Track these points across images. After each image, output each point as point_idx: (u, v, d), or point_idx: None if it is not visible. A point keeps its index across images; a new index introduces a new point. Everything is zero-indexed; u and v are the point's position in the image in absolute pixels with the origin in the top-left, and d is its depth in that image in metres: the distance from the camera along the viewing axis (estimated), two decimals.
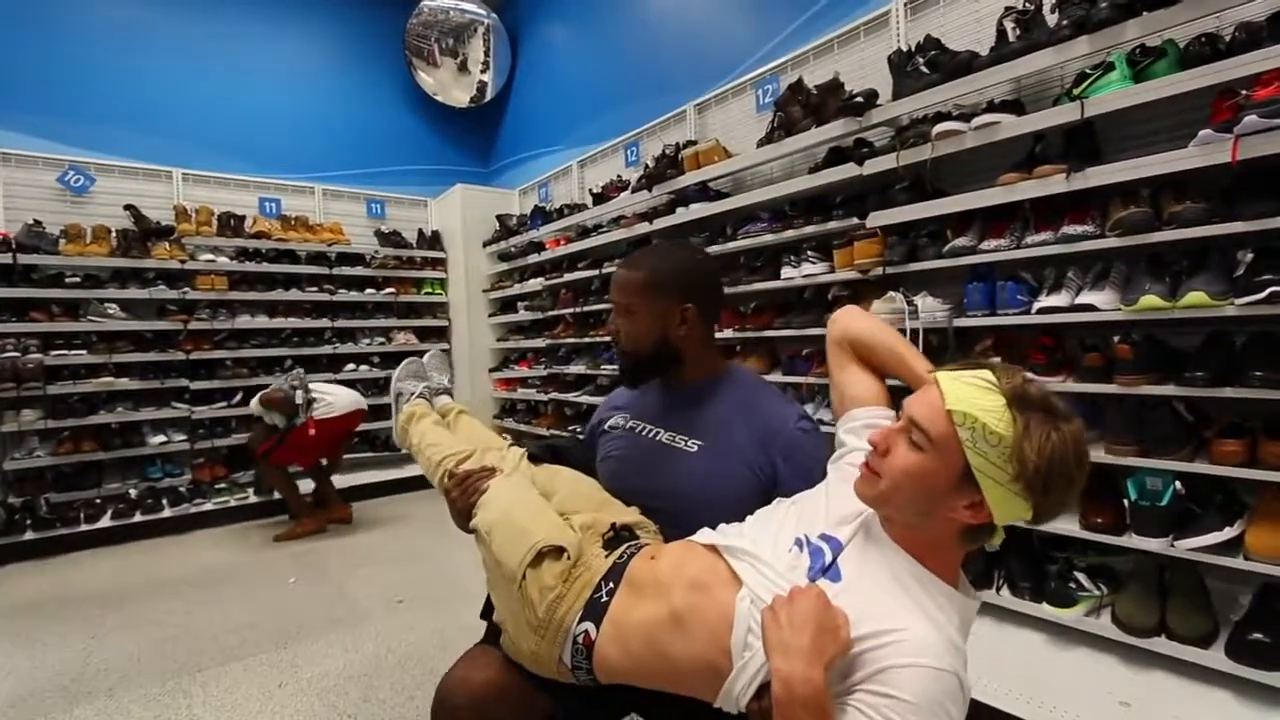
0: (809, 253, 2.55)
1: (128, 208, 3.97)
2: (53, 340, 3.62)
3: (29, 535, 3.35)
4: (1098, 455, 1.76)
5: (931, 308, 2.08)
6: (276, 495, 3.83)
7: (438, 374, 1.77)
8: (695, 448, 1.20)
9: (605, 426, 1.36)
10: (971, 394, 0.78)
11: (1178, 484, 1.63)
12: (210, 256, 4.13)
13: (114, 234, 3.88)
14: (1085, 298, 1.78)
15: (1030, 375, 0.83)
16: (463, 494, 1.21)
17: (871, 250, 2.29)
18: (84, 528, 3.48)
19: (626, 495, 1.23)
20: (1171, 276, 1.67)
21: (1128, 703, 1.54)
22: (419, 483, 4.65)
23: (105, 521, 3.55)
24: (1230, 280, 1.56)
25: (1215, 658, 1.53)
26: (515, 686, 1.05)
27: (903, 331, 2.11)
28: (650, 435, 1.26)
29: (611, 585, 0.98)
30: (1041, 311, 1.85)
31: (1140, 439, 1.67)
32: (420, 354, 1.82)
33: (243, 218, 4.32)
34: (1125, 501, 1.71)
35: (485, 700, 1.03)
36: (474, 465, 1.30)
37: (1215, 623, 1.61)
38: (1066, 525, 1.82)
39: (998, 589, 1.95)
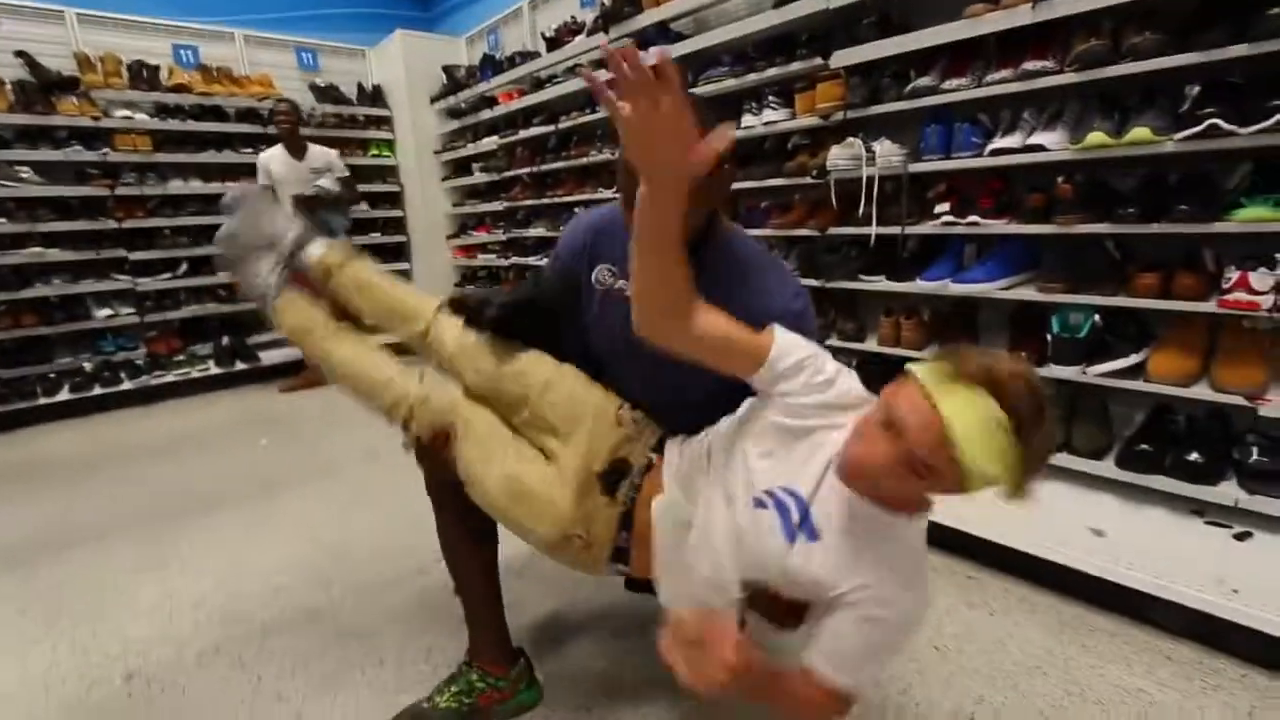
0: (770, 98, 2.46)
1: (19, 54, 3.53)
2: None
3: None
4: (1030, 295, 1.87)
5: (889, 152, 2.07)
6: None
7: (278, 220, 1.34)
8: None
9: (594, 279, 1.24)
10: (976, 432, 0.72)
11: (1097, 318, 1.75)
12: (126, 113, 3.76)
13: (9, 86, 3.48)
14: (1037, 138, 1.79)
15: (1011, 366, 0.75)
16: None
17: (834, 93, 2.22)
18: (42, 401, 3.46)
19: (620, 369, 1.22)
20: (1121, 114, 1.68)
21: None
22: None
23: (64, 395, 3.53)
24: (1175, 117, 1.58)
25: (1106, 467, 1.73)
26: None
27: (858, 180, 2.12)
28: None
29: (625, 533, 1.06)
30: (994, 153, 1.86)
31: (1070, 277, 1.77)
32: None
33: (156, 68, 3.89)
34: (1049, 336, 1.83)
35: None
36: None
37: (1111, 439, 1.81)
38: None
39: None
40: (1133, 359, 1.68)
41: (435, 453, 1.17)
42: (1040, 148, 1.77)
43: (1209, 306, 1.54)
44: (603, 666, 1.41)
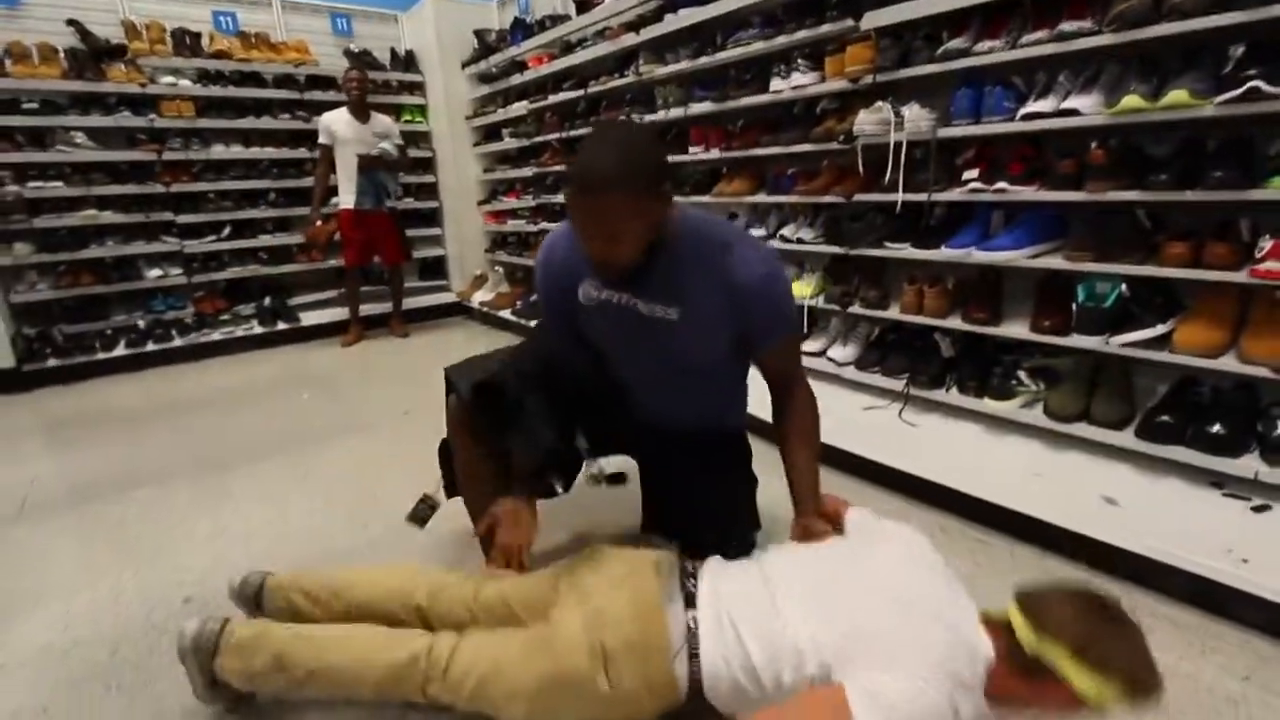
0: (799, 61, 2.43)
1: (70, 23, 3.66)
2: (26, 172, 3.54)
3: (51, 362, 3.54)
4: (1056, 263, 1.85)
5: (917, 117, 2.04)
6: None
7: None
8: (676, 315, 1.24)
9: (581, 300, 1.33)
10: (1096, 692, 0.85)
11: (1124, 287, 1.73)
12: (171, 79, 3.89)
13: (62, 54, 3.62)
14: (1071, 102, 1.75)
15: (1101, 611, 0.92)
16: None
17: (864, 56, 2.18)
18: (100, 356, 3.68)
19: (623, 371, 1.37)
20: (1159, 77, 1.63)
21: (1040, 473, 1.77)
22: (433, 311, 4.81)
23: (120, 350, 3.74)
24: (1216, 79, 1.52)
25: (1125, 438, 1.73)
26: None
27: (886, 146, 2.10)
28: (629, 306, 1.27)
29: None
30: (1026, 118, 1.83)
31: (1098, 245, 1.74)
32: None
33: (198, 35, 4.00)
34: (1074, 306, 1.81)
35: None
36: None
37: (1133, 410, 1.80)
38: (1018, 329, 1.96)
39: (947, 389, 2.14)
40: (1158, 329, 1.66)
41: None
42: (1074, 112, 1.73)
43: (1240, 276, 1.51)
44: None
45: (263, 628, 1.18)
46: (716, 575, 1.10)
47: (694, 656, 1.00)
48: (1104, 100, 1.71)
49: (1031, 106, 1.82)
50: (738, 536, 1.41)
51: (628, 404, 1.42)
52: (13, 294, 3.56)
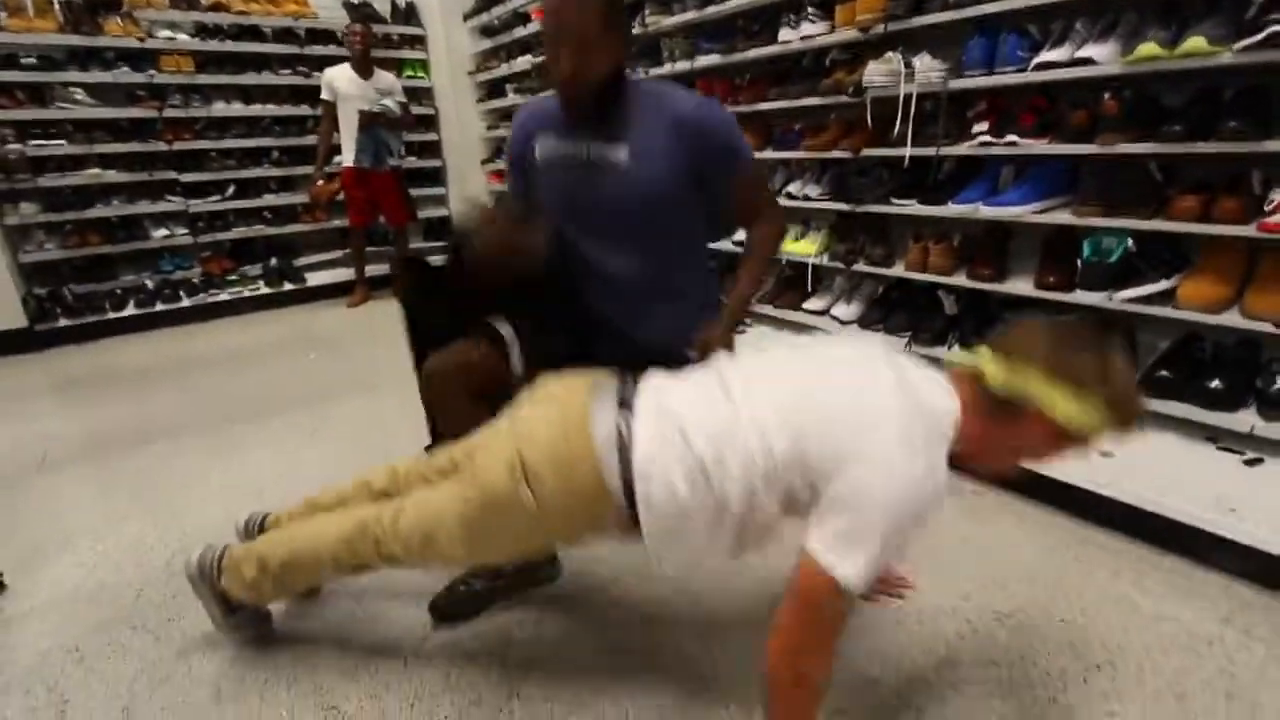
0: (809, 10, 2.36)
1: None
2: (28, 130, 3.52)
3: (63, 322, 3.59)
4: (1064, 218, 1.82)
5: (929, 68, 1.99)
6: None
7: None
8: (625, 155, 1.27)
9: (538, 160, 1.37)
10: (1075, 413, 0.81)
11: (1130, 242, 1.71)
12: (169, 34, 3.82)
13: (58, 7, 3.56)
14: (1087, 50, 1.70)
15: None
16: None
17: (875, 3, 2.12)
18: (110, 315, 3.72)
19: (575, 223, 1.34)
20: (1179, 23, 1.58)
21: None
22: None
23: (130, 310, 3.78)
24: (1236, 26, 1.48)
25: None
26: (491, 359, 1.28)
27: (895, 97, 2.06)
28: (582, 155, 1.30)
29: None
30: (1039, 67, 1.78)
31: (1107, 200, 1.72)
32: None
33: None
34: (1079, 262, 1.80)
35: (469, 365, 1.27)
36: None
37: (1135, 367, 1.80)
38: (1022, 286, 1.95)
39: (949, 346, 2.14)
40: (1162, 285, 1.65)
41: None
42: (1089, 61, 1.69)
43: (1249, 230, 1.50)
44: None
45: (252, 544, 1.25)
46: (660, 377, 1.02)
47: (627, 463, 0.91)
48: (1120, 49, 1.67)
49: (1046, 55, 1.77)
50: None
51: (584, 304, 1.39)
52: (21, 254, 3.58)
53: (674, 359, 1.21)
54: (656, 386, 1.00)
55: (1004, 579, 1.41)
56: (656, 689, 1.17)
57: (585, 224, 1.34)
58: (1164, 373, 1.67)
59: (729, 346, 1.32)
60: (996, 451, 0.90)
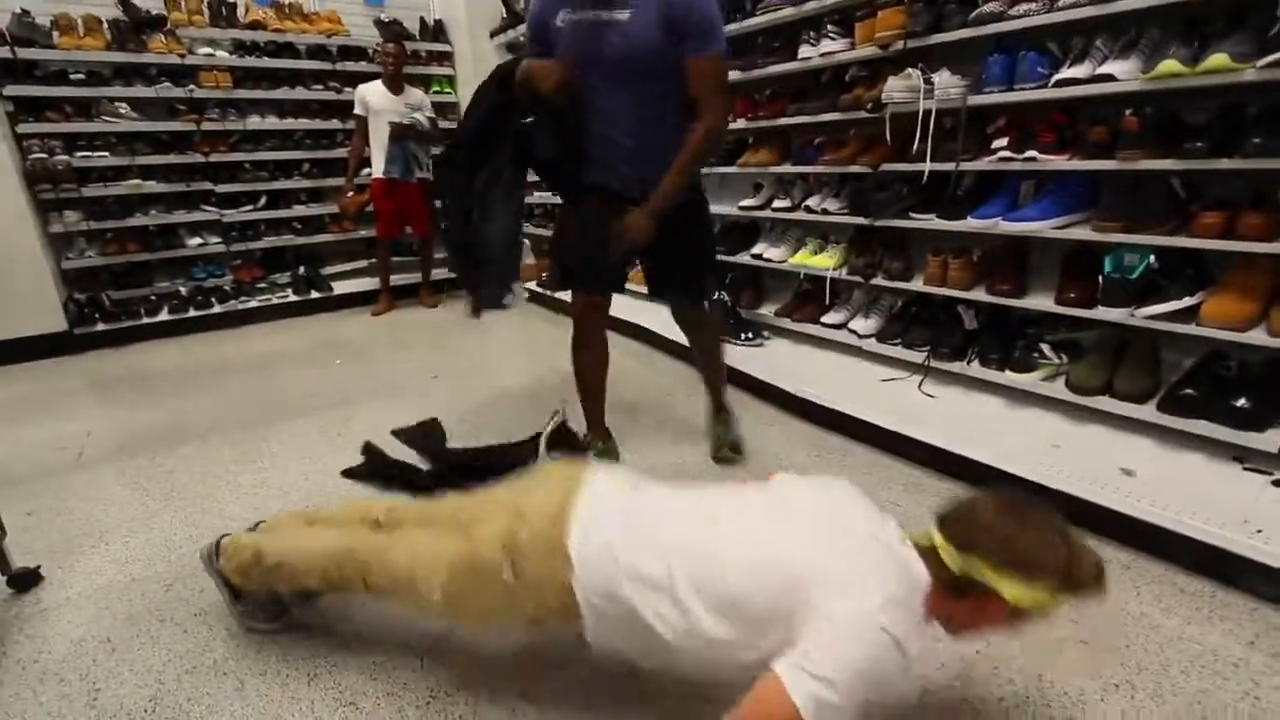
0: (830, 27, 2.39)
1: None
2: (74, 142, 3.67)
3: (100, 326, 3.72)
4: (1084, 234, 1.82)
5: (948, 84, 2.01)
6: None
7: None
8: (627, 15, 1.62)
9: (558, 24, 1.70)
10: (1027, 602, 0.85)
11: (1153, 258, 1.70)
12: (209, 50, 3.97)
13: (106, 25, 3.73)
14: (1107, 67, 1.70)
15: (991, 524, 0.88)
16: None
17: (895, 21, 2.14)
18: (145, 321, 3.85)
19: (587, 66, 1.66)
20: (1201, 40, 1.58)
21: (1059, 445, 1.77)
22: (458, 282, 4.89)
23: (164, 316, 3.91)
24: (1261, 42, 1.47)
25: (1148, 411, 1.72)
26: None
27: (915, 113, 2.07)
28: (590, 18, 1.65)
29: None
30: (1060, 84, 1.79)
31: (1128, 215, 1.71)
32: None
33: (234, 5, 4.06)
34: (1101, 278, 1.79)
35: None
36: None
37: (1158, 384, 1.78)
38: (1042, 301, 1.94)
39: (969, 361, 2.13)
40: (1185, 302, 1.64)
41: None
42: (1110, 78, 1.69)
43: (1274, 247, 1.48)
44: None
45: (253, 534, 1.36)
46: (655, 493, 1.09)
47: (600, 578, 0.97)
48: (1142, 66, 1.67)
49: (1066, 72, 1.78)
50: (700, 285, 1.98)
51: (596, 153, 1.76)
52: (64, 260, 3.72)
53: (642, 193, 1.71)
54: (649, 508, 1.05)
55: None
56: (664, 695, 1.17)
57: (595, 65, 1.67)
58: (1188, 391, 1.65)
59: (646, 231, 1.70)
60: (958, 621, 0.93)
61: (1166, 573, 1.44)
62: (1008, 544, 0.85)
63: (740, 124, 2.88)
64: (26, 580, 1.56)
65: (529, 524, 1.03)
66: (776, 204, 2.79)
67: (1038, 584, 0.83)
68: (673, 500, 1.08)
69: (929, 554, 0.91)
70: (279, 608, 1.37)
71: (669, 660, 0.98)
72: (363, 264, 4.64)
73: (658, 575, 0.93)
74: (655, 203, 1.70)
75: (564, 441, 1.92)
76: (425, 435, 2.30)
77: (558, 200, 2.13)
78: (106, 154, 3.73)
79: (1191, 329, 1.63)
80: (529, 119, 1.73)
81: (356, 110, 3.92)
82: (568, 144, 1.74)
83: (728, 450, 2.04)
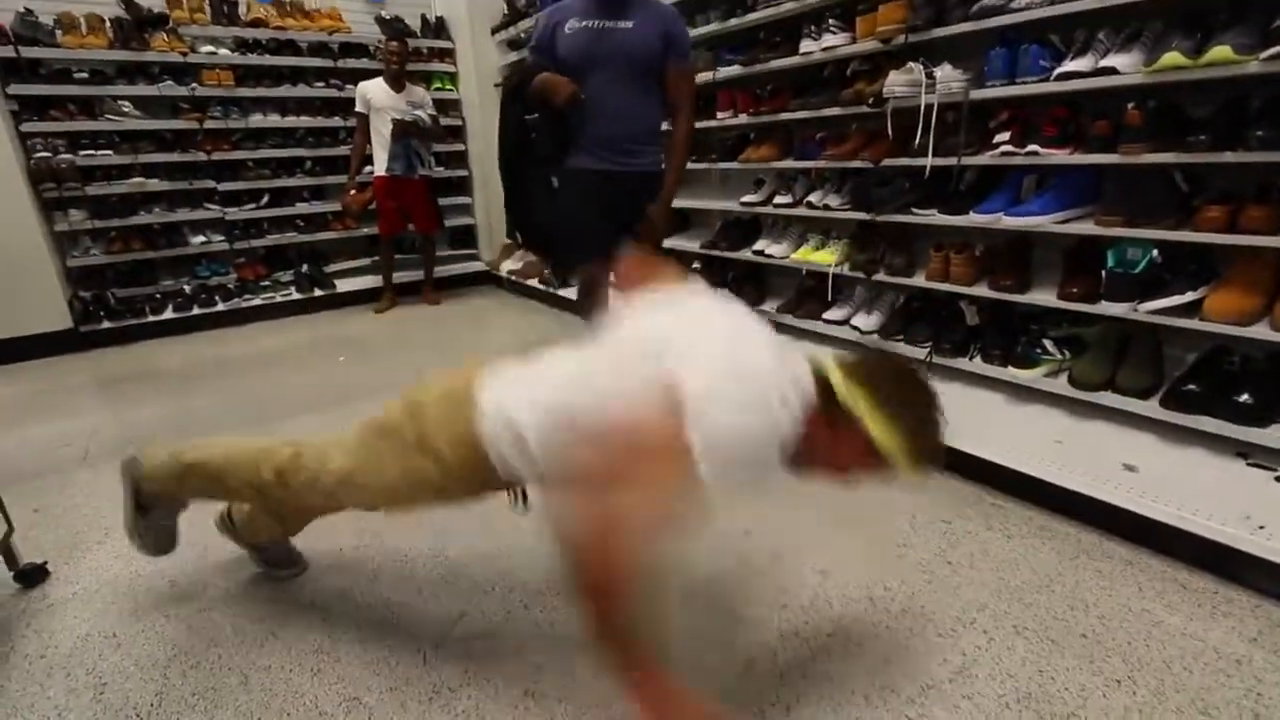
0: (831, 22, 2.38)
1: None
2: (78, 140, 3.68)
3: (105, 324, 3.74)
4: (1087, 229, 1.81)
5: (950, 78, 2.00)
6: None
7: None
8: (630, 23, 2.05)
9: (565, 33, 2.07)
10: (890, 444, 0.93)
11: (1155, 253, 1.69)
12: (211, 48, 3.98)
13: (109, 24, 3.74)
14: (1110, 60, 1.69)
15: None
16: None
17: (896, 15, 2.13)
18: (150, 319, 3.87)
19: (593, 68, 2.06)
20: (1204, 33, 1.57)
21: (1061, 440, 1.77)
22: (462, 280, 4.91)
23: (168, 314, 3.92)
24: (1263, 35, 1.46)
25: (1150, 407, 1.71)
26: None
27: (917, 107, 2.06)
28: (598, 26, 2.05)
29: None
30: (1062, 77, 1.78)
31: (1130, 210, 1.70)
32: None
33: (235, 3, 4.07)
34: (1103, 272, 1.78)
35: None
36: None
37: (1161, 379, 1.77)
38: (1044, 296, 1.94)
39: (970, 357, 2.13)
40: (1188, 296, 1.63)
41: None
42: (1112, 71, 1.68)
43: (1278, 241, 1.47)
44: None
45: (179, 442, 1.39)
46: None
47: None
48: (1144, 59, 1.66)
49: (1068, 66, 1.77)
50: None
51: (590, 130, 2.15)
52: (69, 258, 3.74)
53: (641, 179, 2.20)
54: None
55: (1022, 590, 1.40)
56: None
57: (602, 67, 2.05)
58: (1191, 386, 1.64)
59: (669, 219, 2.34)
60: (823, 450, 0.99)
61: (1169, 569, 1.43)
62: (887, 386, 0.95)
63: (742, 119, 2.87)
64: (34, 576, 1.57)
65: (430, 388, 1.13)
66: (778, 200, 2.78)
67: (896, 435, 0.92)
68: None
69: (820, 379, 0.98)
70: (169, 526, 1.42)
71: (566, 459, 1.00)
72: (365, 262, 4.65)
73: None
74: (666, 196, 2.22)
75: None
76: None
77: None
78: (110, 152, 3.74)
79: (1195, 324, 1.62)
80: (533, 115, 2.18)
81: (358, 108, 3.92)
82: (564, 141, 2.15)
83: None
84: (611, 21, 2.04)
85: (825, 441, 0.96)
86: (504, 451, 1.02)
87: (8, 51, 3.39)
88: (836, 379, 0.96)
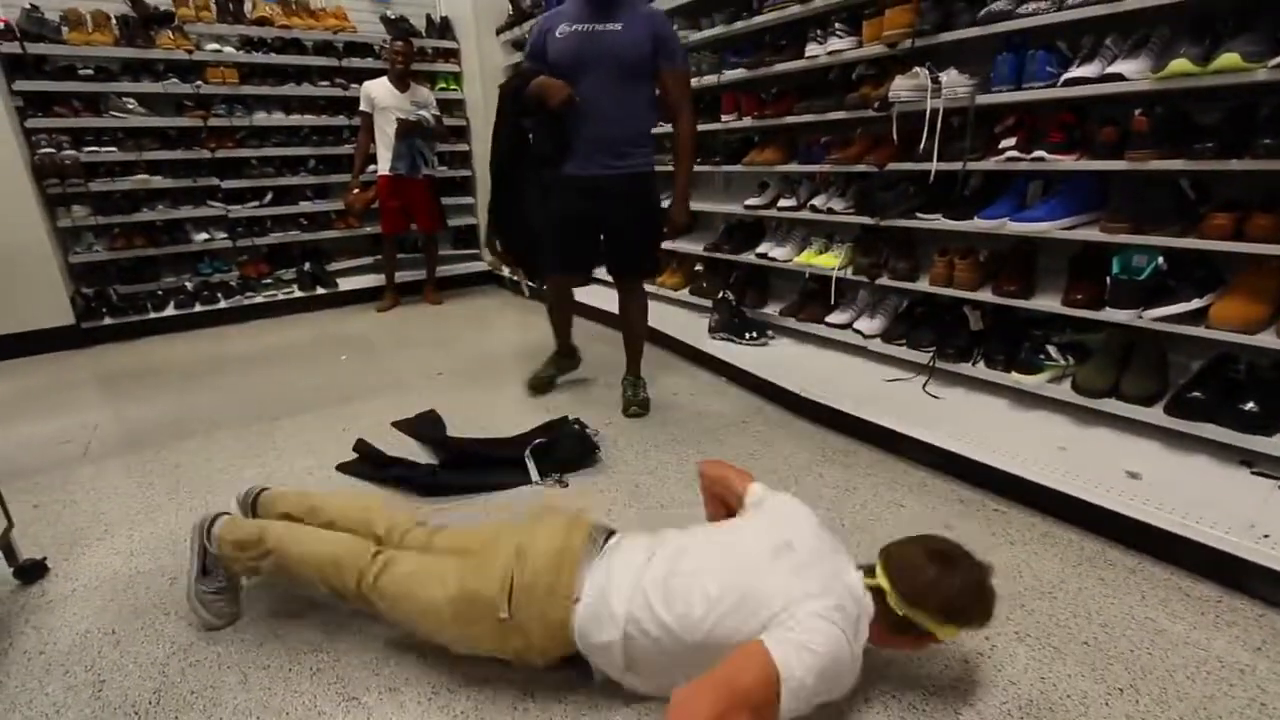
0: (837, 25, 2.38)
1: None
2: (82, 137, 3.69)
3: (108, 321, 3.74)
4: (1092, 235, 1.80)
5: (956, 82, 2.00)
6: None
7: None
8: (620, 26, 2.07)
9: (557, 38, 2.10)
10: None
11: (1161, 260, 1.69)
12: (216, 46, 3.98)
13: (114, 21, 3.74)
14: (1117, 67, 1.69)
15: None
16: None
17: (903, 19, 2.13)
18: (152, 315, 3.87)
19: (585, 70, 2.07)
20: (1212, 40, 1.56)
21: (1065, 447, 1.76)
22: (464, 280, 4.92)
23: (170, 310, 3.92)
24: (1272, 42, 1.46)
25: (1155, 414, 1.71)
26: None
27: (922, 111, 2.06)
28: (587, 29, 2.08)
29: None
30: (1069, 83, 1.78)
31: (1136, 216, 1.70)
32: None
33: (241, 1, 4.07)
34: (1108, 279, 1.78)
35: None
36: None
37: (1165, 386, 1.77)
38: (1049, 302, 1.93)
39: (974, 363, 2.12)
40: (1194, 304, 1.62)
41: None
42: (1119, 77, 1.68)
43: None
44: None
45: (257, 519, 1.46)
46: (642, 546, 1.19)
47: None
48: (1152, 65, 1.66)
49: (1075, 71, 1.77)
50: (638, 258, 2.38)
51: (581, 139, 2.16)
52: (71, 255, 3.75)
53: (630, 179, 2.20)
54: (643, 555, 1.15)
55: (1024, 597, 1.39)
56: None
57: (592, 69, 2.07)
58: (1196, 394, 1.64)
59: (689, 217, 2.32)
60: (886, 643, 1.11)
61: (1172, 577, 1.43)
62: (948, 603, 1.03)
63: (746, 122, 2.87)
64: (33, 572, 1.57)
65: (529, 565, 1.12)
66: (782, 203, 2.78)
67: (959, 628, 1.06)
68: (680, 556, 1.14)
69: (876, 593, 1.07)
70: (232, 586, 1.40)
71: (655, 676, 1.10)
72: (368, 260, 4.65)
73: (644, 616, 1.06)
74: (680, 194, 2.25)
75: (577, 445, 2.01)
76: (425, 425, 2.32)
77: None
78: (114, 149, 3.75)
79: (1200, 331, 1.62)
80: (529, 118, 2.22)
81: (363, 107, 3.92)
82: (560, 143, 2.19)
83: (635, 408, 2.40)
84: (600, 24, 2.06)
85: (891, 639, 1.09)
86: (591, 644, 1.10)
87: (13, 47, 3.39)
88: (895, 601, 1.04)
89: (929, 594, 1.03)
